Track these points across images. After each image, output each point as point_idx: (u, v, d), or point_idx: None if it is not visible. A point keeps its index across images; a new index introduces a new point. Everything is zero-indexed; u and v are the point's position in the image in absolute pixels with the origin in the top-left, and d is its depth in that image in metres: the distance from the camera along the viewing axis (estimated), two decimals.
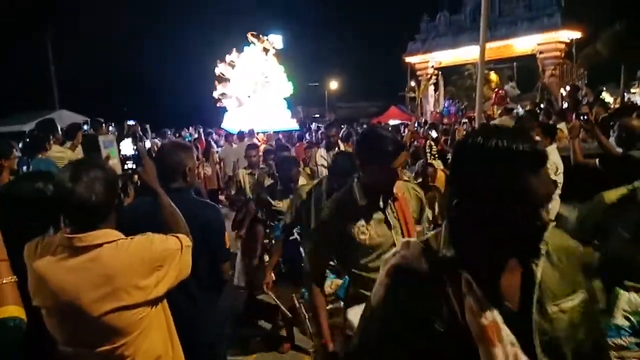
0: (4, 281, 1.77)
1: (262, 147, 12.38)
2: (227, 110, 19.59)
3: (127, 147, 2.19)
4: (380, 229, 2.44)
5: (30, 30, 30.56)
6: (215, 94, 19.80)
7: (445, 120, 16.27)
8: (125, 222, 2.03)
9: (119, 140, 2.24)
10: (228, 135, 11.87)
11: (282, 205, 4.58)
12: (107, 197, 1.80)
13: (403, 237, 2.43)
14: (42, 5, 30.31)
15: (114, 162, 2.11)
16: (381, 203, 2.49)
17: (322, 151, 7.04)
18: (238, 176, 6.03)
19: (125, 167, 2.17)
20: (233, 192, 6.11)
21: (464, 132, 7.42)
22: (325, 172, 5.70)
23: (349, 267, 2.53)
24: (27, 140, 4.93)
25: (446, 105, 25.86)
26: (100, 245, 1.78)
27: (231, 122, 18.13)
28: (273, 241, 4.59)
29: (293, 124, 19.56)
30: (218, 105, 19.92)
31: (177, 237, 2.00)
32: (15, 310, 1.74)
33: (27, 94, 31.40)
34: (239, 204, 6.09)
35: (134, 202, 2.57)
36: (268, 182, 5.16)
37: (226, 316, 3.00)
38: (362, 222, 2.44)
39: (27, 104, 26.02)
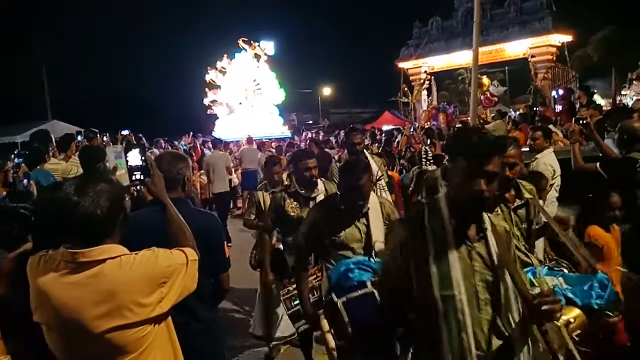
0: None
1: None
2: (217, 118, 19.47)
3: (135, 158, 2.15)
4: None
5: (23, 41, 30.49)
6: (206, 101, 19.65)
7: (441, 118, 16.21)
8: (126, 232, 1.99)
9: (127, 149, 2.19)
10: (215, 142, 11.83)
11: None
12: (112, 211, 1.76)
13: None
14: (35, 16, 30.23)
15: (122, 173, 2.07)
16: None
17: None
18: (257, 196, 4.98)
19: (133, 178, 2.13)
20: (252, 216, 4.95)
21: None
22: None
23: None
24: (27, 152, 4.88)
25: (442, 105, 25.98)
26: (104, 261, 1.74)
27: (222, 130, 18.03)
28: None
29: (285, 131, 19.48)
30: (208, 112, 19.76)
31: (183, 251, 1.96)
32: None
33: (20, 104, 31.32)
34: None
35: (136, 212, 2.55)
36: (292, 206, 4.18)
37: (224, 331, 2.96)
38: None
39: (20, 114, 25.93)
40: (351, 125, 11.88)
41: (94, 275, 1.72)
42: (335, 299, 2.62)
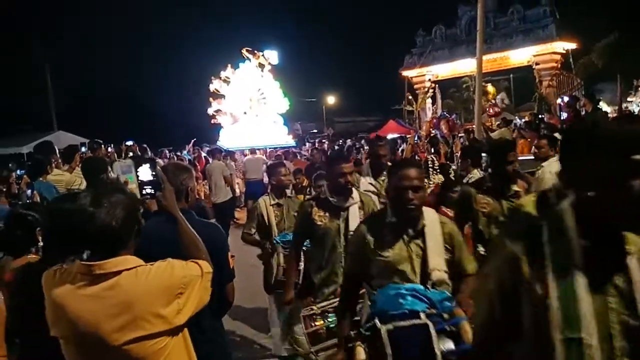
0: None
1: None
2: (222, 127, 19.49)
3: (146, 172, 2.15)
4: None
5: (28, 52, 30.76)
6: (210, 111, 19.68)
7: (443, 125, 16.17)
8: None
9: (137, 164, 2.20)
10: (214, 152, 11.86)
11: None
12: (128, 222, 1.76)
13: None
14: (39, 27, 30.55)
15: (132, 188, 2.07)
16: None
17: (369, 178, 4.65)
18: (259, 208, 4.51)
19: (144, 192, 2.12)
20: (253, 230, 4.58)
21: (462, 145, 7.37)
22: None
23: None
24: (29, 163, 4.90)
25: (443, 113, 26.01)
26: (120, 272, 1.73)
27: (227, 139, 18.06)
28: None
29: (289, 140, 19.48)
30: (212, 122, 19.75)
31: (198, 263, 1.96)
32: None
33: (25, 115, 31.55)
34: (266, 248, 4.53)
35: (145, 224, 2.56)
36: (321, 214, 3.64)
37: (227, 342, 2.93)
38: None
39: (25, 125, 26.11)
40: (377, 135, 11.79)
41: (110, 287, 1.71)
42: (379, 325, 2.31)
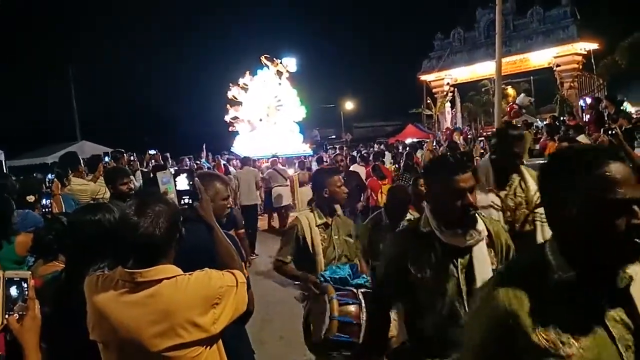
0: None
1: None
2: (238, 134, 19.46)
3: (183, 182, 2.18)
4: None
5: (52, 66, 31.52)
6: (227, 118, 19.69)
7: (456, 137, 16.10)
8: None
9: (175, 174, 2.25)
10: (245, 160, 11.87)
11: None
12: (170, 232, 1.80)
13: None
14: (64, 41, 31.28)
15: (171, 197, 2.12)
16: None
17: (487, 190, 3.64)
18: (299, 228, 3.36)
19: (182, 202, 2.17)
20: (289, 258, 3.37)
21: (481, 151, 7.27)
22: None
23: None
24: (50, 176, 5.01)
25: (459, 125, 25.85)
26: (160, 281, 1.77)
27: (242, 146, 18.02)
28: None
29: (306, 149, 19.26)
30: (230, 129, 19.61)
31: (233, 273, 1.99)
32: None
33: (50, 126, 32.27)
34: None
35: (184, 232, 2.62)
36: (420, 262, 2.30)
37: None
38: None
39: (50, 136, 26.68)
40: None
41: (150, 295, 1.75)
42: None
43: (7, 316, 1.59)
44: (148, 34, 48.84)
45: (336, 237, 3.41)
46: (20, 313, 1.59)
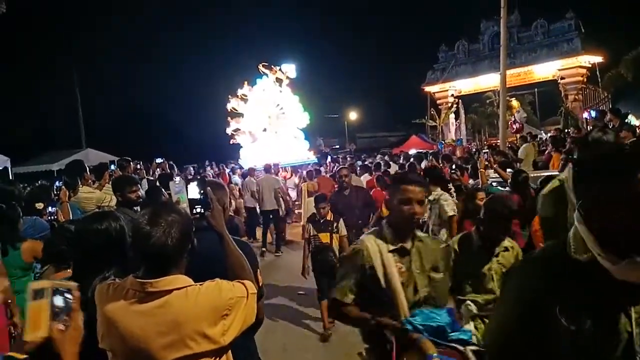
0: None
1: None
2: (241, 147, 18.87)
3: (194, 191, 2.18)
4: None
5: (57, 74, 31.75)
6: (229, 130, 18.81)
7: (458, 153, 16.11)
8: None
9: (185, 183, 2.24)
10: (267, 167, 11.81)
11: None
12: (182, 242, 1.79)
13: None
14: (68, 50, 31.53)
15: (184, 207, 2.11)
16: None
17: None
18: (364, 254, 2.43)
19: (195, 211, 2.16)
20: (351, 296, 2.42)
21: (486, 162, 7.23)
22: None
23: None
24: (58, 184, 5.04)
25: (461, 137, 25.90)
26: (171, 291, 1.76)
27: (247, 158, 17.73)
28: None
29: (310, 156, 19.00)
30: (231, 142, 18.87)
31: (243, 283, 1.97)
32: None
33: (55, 134, 32.46)
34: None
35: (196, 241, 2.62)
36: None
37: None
38: None
39: (56, 143, 26.82)
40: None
41: (160, 305, 1.75)
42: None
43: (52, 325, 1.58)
44: (155, 42, 49.28)
45: (418, 271, 2.41)
46: (65, 324, 1.56)
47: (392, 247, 2.41)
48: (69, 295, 1.60)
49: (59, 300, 1.56)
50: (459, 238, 3.32)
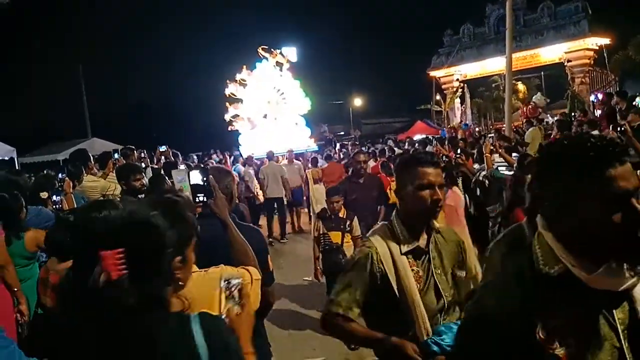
0: None
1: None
2: (240, 134, 18.00)
3: (196, 179, 2.17)
4: None
5: (62, 64, 31.76)
6: (227, 117, 18.13)
7: (460, 134, 16.00)
8: None
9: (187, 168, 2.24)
10: (270, 155, 11.71)
11: None
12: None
13: None
14: (75, 39, 31.53)
15: (186, 195, 2.12)
16: None
17: None
18: (373, 258, 2.00)
19: (197, 199, 2.16)
20: (356, 310, 1.99)
21: (491, 147, 7.18)
22: None
23: None
24: (63, 174, 5.07)
25: (467, 122, 25.75)
26: None
27: (246, 145, 17.01)
28: None
29: (311, 144, 18.02)
30: (229, 129, 18.23)
31: (247, 269, 1.99)
32: None
33: (61, 124, 32.58)
34: None
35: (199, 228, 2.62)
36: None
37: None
38: None
39: (61, 133, 26.92)
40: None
41: None
42: None
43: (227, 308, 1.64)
44: (157, 32, 49.10)
45: (438, 271, 2.03)
46: (238, 311, 1.64)
47: (405, 249, 2.01)
48: (238, 282, 1.67)
49: (233, 286, 1.65)
50: (507, 235, 2.41)
